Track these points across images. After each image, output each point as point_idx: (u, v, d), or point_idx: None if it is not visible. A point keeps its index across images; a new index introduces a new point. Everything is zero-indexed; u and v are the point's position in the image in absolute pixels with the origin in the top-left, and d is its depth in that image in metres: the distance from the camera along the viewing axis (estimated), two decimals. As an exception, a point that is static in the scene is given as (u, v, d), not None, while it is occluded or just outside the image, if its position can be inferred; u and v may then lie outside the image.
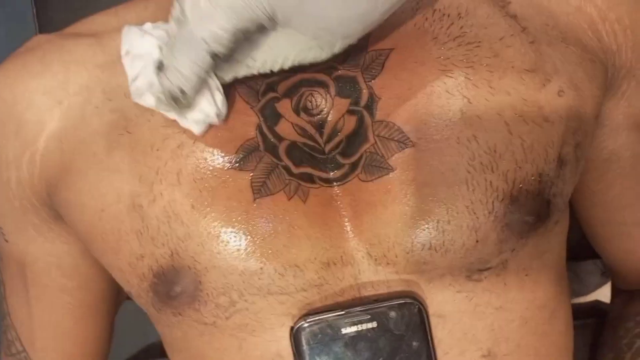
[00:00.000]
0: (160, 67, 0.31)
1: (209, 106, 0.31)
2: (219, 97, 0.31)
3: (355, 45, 0.33)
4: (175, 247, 0.32)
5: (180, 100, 0.30)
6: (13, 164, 0.37)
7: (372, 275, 0.32)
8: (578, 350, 0.51)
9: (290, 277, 0.31)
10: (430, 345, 0.31)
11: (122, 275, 0.35)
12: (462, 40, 0.32)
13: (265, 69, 0.32)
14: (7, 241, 0.41)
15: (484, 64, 0.32)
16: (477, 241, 0.31)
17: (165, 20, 0.38)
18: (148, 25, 0.33)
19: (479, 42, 0.32)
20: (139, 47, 0.32)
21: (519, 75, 0.32)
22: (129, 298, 0.51)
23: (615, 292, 0.47)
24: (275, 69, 0.32)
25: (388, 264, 0.31)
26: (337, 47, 0.31)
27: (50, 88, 0.35)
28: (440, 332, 0.32)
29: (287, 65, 0.31)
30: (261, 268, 0.31)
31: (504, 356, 0.33)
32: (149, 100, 0.32)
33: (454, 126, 0.31)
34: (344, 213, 0.32)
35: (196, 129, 0.32)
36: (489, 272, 0.32)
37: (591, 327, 0.52)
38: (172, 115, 0.32)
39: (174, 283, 0.32)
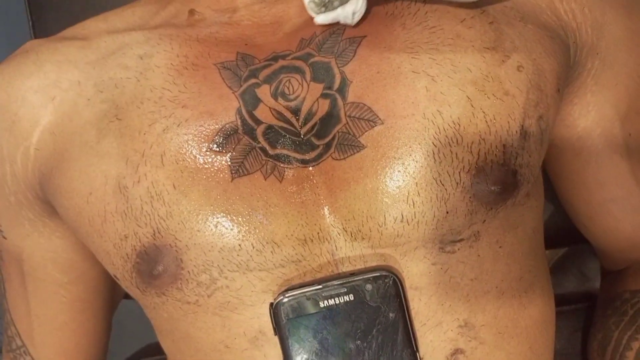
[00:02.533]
0: None
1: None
2: None
3: (332, 33, 0.35)
4: (157, 226, 0.33)
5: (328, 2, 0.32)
6: (8, 159, 0.39)
7: (348, 250, 0.33)
8: (571, 335, 0.51)
9: (268, 253, 0.32)
10: (407, 316, 0.32)
11: (107, 257, 0.36)
12: (426, 24, 0.34)
13: None
14: (5, 238, 0.43)
15: (447, 45, 0.33)
16: (447, 212, 0.32)
17: (151, 24, 0.40)
18: None
19: (442, 25, 0.34)
20: None
21: (480, 53, 0.33)
22: (126, 296, 0.52)
23: (603, 273, 0.47)
24: None
25: (363, 238, 0.32)
26: None
27: (43, 86, 0.37)
28: (417, 304, 0.33)
29: None
30: (239, 245, 0.32)
31: (482, 327, 0.33)
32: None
33: (419, 103, 0.32)
34: (319, 192, 0.33)
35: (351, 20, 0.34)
36: (461, 243, 0.33)
37: (584, 311, 0.52)
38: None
39: (156, 262, 0.33)
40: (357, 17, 0.34)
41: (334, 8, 0.34)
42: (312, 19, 0.35)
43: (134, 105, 0.35)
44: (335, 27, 0.35)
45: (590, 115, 0.38)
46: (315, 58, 0.34)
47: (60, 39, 0.40)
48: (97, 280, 0.45)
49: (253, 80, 0.34)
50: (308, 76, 0.34)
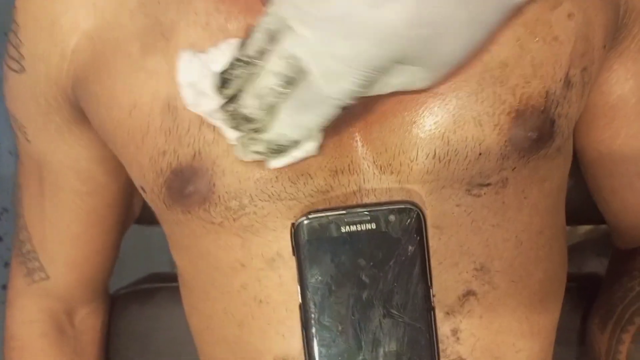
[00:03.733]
0: (227, 105, 0.30)
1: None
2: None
3: None
4: (200, 149, 0.33)
5: (288, 147, 0.31)
6: (43, 59, 0.38)
7: (375, 183, 0.33)
8: (572, 310, 0.52)
9: (301, 184, 0.33)
10: (426, 252, 0.32)
11: (139, 169, 0.36)
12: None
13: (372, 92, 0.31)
14: (28, 141, 0.43)
15: None
16: (480, 154, 0.32)
17: None
18: (213, 53, 0.32)
19: None
20: (204, 81, 0.32)
21: None
22: (138, 221, 0.53)
23: (613, 252, 0.48)
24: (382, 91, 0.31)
25: (392, 172, 0.33)
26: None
27: None
28: (436, 243, 0.33)
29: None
30: (276, 177, 0.32)
31: (496, 272, 0.34)
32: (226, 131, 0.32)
33: None
34: (355, 123, 0.33)
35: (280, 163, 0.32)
36: (488, 188, 0.33)
37: (586, 292, 0.52)
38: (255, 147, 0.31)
39: (189, 182, 0.33)
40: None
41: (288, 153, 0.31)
42: None
43: (180, 26, 0.35)
44: None
45: (628, 84, 0.38)
46: None
47: None
48: (114, 196, 0.46)
49: None
50: None
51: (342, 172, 0.33)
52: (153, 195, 0.36)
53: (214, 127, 0.33)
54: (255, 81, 0.29)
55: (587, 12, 0.34)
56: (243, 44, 0.30)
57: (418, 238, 0.32)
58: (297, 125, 0.30)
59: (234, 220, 0.34)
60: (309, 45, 0.27)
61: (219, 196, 0.33)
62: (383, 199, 0.33)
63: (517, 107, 0.32)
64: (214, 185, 0.33)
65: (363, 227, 0.32)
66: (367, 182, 0.33)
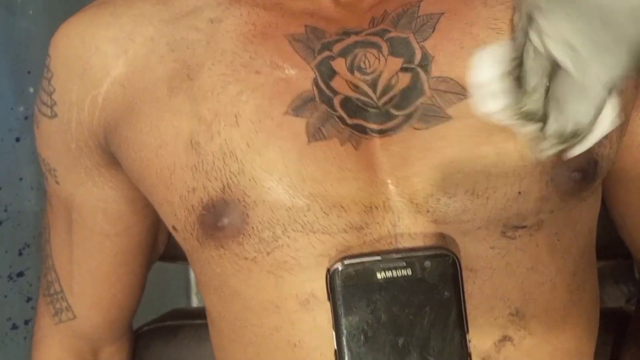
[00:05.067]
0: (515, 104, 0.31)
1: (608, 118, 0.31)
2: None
3: (406, 10, 0.35)
4: (228, 181, 0.33)
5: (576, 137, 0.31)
6: (76, 105, 0.39)
7: (410, 223, 0.33)
8: (599, 348, 0.51)
9: (334, 216, 0.33)
10: (462, 297, 0.32)
11: (170, 208, 0.36)
12: (508, 4, 0.34)
13: None
14: (58, 183, 0.44)
15: None
16: (519, 192, 0.32)
17: None
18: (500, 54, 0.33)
19: None
20: (494, 82, 0.32)
21: None
22: (161, 258, 0.53)
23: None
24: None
25: (428, 211, 0.33)
26: None
27: (118, 38, 0.38)
28: (471, 287, 0.33)
29: None
30: (308, 205, 0.33)
31: (532, 317, 0.33)
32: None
33: None
34: (392, 160, 0.33)
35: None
36: (523, 230, 0.33)
37: (614, 328, 0.52)
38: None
39: (222, 215, 0.34)
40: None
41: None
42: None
43: (205, 66, 0.36)
44: (409, 5, 0.36)
45: None
46: (391, 34, 0.35)
47: None
48: (142, 236, 0.46)
49: (327, 53, 0.35)
50: (385, 51, 0.35)
51: (377, 209, 0.33)
52: (186, 234, 0.37)
53: (237, 157, 0.33)
54: (526, 79, 0.30)
55: None
56: (524, 46, 0.30)
57: (454, 284, 0.32)
58: (565, 117, 0.29)
59: (267, 254, 0.34)
60: (574, 33, 0.27)
61: (253, 227, 0.33)
62: (418, 241, 0.33)
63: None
64: (247, 216, 0.33)
65: (399, 273, 0.32)
66: (401, 221, 0.33)
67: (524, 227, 0.33)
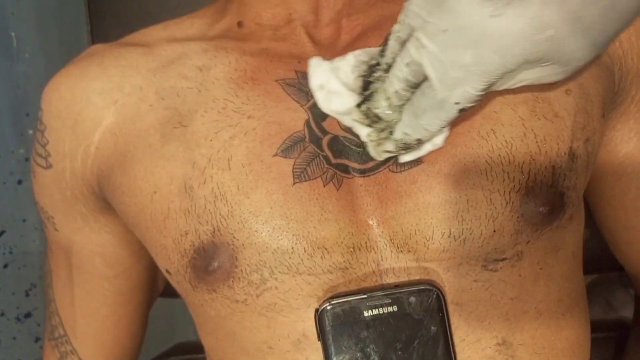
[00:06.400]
0: (361, 105, 0.33)
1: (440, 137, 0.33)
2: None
3: None
4: (218, 225, 0.34)
5: (414, 145, 0.33)
6: (69, 156, 0.40)
7: (393, 262, 0.34)
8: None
9: (318, 258, 0.33)
10: (448, 330, 0.33)
11: (164, 252, 0.37)
12: None
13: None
14: (56, 230, 0.45)
15: None
16: (494, 231, 0.33)
17: (208, 36, 0.41)
18: (339, 61, 0.34)
19: None
20: (334, 83, 0.34)
21: None
22: (162, 294, 0.54)
23: (637, 301, 0.48)
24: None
25: (409, 251, 0.33)
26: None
27: (107, 89, 0.39)
28: (457, 319, 0.34)
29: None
30: (292, 247, 0.33)
31: (519, 345, 0.34)
32: (360, 131, 0.34)
33: (475, 121, 0.34)
34: (371, 202, 0.34)
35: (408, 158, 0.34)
36: (504, 262, 0.34)
37: (614, 340, 0.52)
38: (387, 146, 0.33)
39: (212, 258, 0.34)
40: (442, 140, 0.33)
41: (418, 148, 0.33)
42: (361, 35, 0.37)
43: (197, 113, 0.37)
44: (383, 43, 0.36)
45: (632, 142, 0.39)
46: None
47: (123, 45, 0.42)
48: (140, 276, 0.47)
49: None
50: None
51: (360, 249, 0.34)
52: (179, 277, 0.38)
53: (227, 199, 0.34)
54: (386, 84, 0.32)
55: (583, 86, 0.35)
56: (382, 52, 0.32)
57: (440, 317, 0.32)
58: (418, 126, 0.31)
59: (257, 296, 0.35)
60: (430, 53, 0.28)
61: (242, 270, 0.34)
62: (402, 277, 0.34)
63: (526, 183, 0.33)
64: (235, 259, 0.34)
65: (385, 310, 0.33)
66: (384, 260, 0.34)
67: (504, 259, 0.34)
